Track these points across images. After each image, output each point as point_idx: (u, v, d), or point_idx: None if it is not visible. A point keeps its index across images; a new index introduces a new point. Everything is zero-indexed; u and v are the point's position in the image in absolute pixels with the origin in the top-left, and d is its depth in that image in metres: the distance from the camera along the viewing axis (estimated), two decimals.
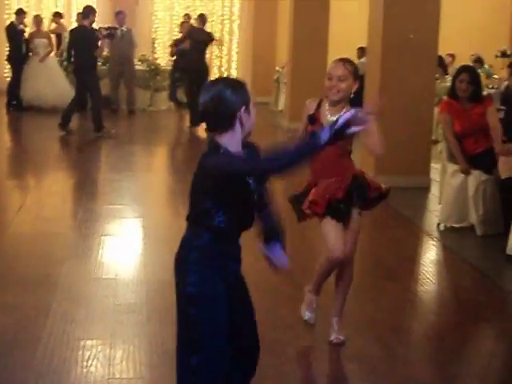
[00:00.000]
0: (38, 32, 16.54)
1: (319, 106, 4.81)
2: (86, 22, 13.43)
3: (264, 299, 5.53)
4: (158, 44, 19.91)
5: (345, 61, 4.75)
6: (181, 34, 17.14)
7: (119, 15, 16.64)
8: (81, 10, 15.37)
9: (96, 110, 13.34)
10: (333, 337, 4.81)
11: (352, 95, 4.68)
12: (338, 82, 4.62)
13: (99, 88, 13.55)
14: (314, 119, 4.76)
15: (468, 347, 5.07)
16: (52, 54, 16.89)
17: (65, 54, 17.23)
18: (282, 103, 17.21)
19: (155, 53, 18.38)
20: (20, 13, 16.57)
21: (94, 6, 19.55)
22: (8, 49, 16.62)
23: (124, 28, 16.57)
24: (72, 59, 13.62)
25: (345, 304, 4.93)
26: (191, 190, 3.31)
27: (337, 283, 4.92)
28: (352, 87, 4.65)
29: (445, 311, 5.76)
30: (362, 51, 16.57)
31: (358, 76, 4.70)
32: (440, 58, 13.29)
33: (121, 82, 16.70)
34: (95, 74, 13.60)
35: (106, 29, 15.17)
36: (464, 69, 7.85)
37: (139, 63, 17.38)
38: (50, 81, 15.81)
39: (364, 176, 4.95)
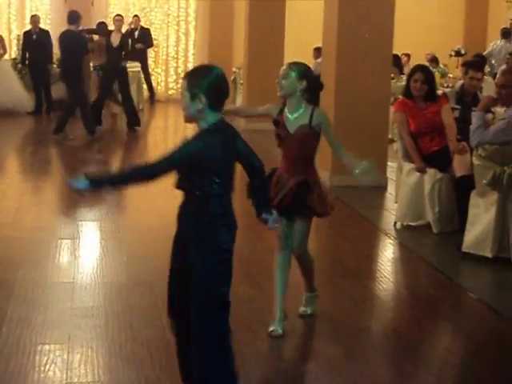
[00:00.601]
0: None
1: (282, 110, 5.17)
2: (72, 27, 13.55)
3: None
4: None
5: (292, 63, 5.11)
6: None
7: (73, 15, 16.45)
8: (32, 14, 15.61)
9: (68, 113, 13.53)
10: (300, 310, 5.25)
11: (300, 93, 4.99)
12: (280, 80, 5.05)
13: (83, 92, 13.61)
14: (277, 122, 5.19)
15: (425, 344, 5.11)
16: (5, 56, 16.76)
17: (18, 57, 17.13)
18: (238, 104, 17.22)
19: None
20: None
21: (48, 6, 19.63)
22: None
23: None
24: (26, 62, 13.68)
25: (313, 279, 5.32)
26: None
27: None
28: (295, 85, 4.96)
29: (402, 308, 5.81)
30: (318, 51, 16.61)
31: (304, 75, 4.96)
32: (396, 57, 13.41)
33: None
34: (81, 77, 13.60)
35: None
36: (418, 68, 7.91)
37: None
38: (3, 84, 15.63)
39: (319, 186, 5.25)
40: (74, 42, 13.35)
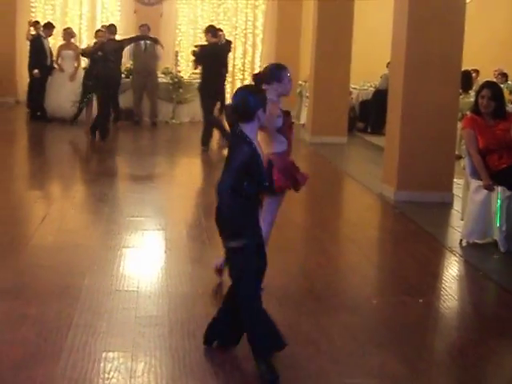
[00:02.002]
0: (67, 45, 16.61)
1: None
2: (112, 37, 14.26)
3: (285, 314, 5.53)
4: (181, 57, 19.97)
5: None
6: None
7: (142, 28, 16.74)
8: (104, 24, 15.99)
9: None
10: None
11: None
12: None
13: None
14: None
15: (490, 364, 5.03)
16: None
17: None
18: (304, 117, 17.21)
19: (178, 65, 18.43)
20: (49, 27, 16.76)
21: (119, 19, 19.95)
22: (30, 60, 16.75)
23: (148, 41, 16.66)
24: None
25: None
26: None
27: None
28: None
29: (467, 327, 5.72)
30: None
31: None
32: (467, 72, 13.25)
33: (144, 94, 16.79)
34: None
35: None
36: (485, 84, 7.84)
37: (162, 76, 17.46)
38: (74, 93, 15.86)
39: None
40: (119, 50, 14.36)
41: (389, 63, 16.46)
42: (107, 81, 14.28)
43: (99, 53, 14.41)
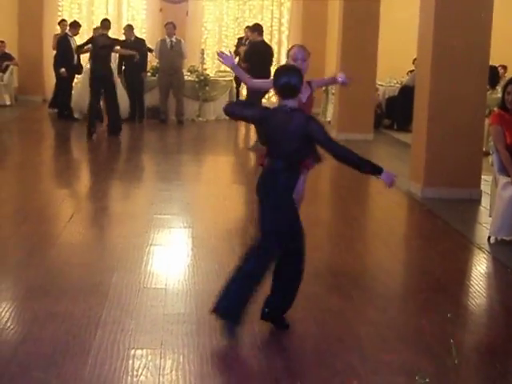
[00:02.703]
0: None
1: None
2: (132, 37, 14.83)
3: (312, 311, 5.53)
4: (207, 55, 20.01)
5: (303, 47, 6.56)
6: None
7: (168, 26, 16.78)
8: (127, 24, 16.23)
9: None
10: None
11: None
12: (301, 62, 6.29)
13: None
14: None
15: None
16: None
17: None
18: (330, 114, 17.20)
19: (204, 63, 18.46)
20: (75, 25, 16.83)
21: (144, 17, 20.03)
22: (56, 59, 16.85)
23: (174, 39, 16.71)
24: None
25: None
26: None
27: None
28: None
29: (495, 325, 5.69)
30: None
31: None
32: (494, 68, 13.17)
33: (170, 92, 16.84)
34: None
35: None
36: (511, 81, 7.80)
37: (188, 74, 17.50)
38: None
39: None
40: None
41: (415, 59, 16.51)
42: (97, 76, 14.30)
43: (89, 46, 14.53)
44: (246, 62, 13.82)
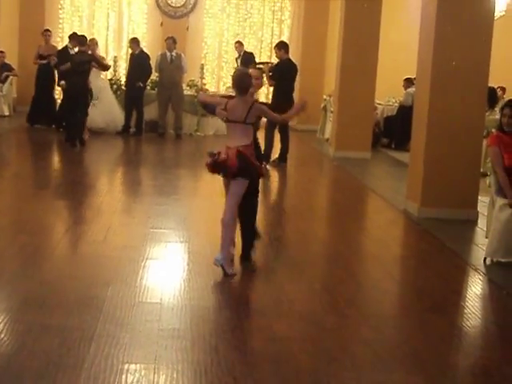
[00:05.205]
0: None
1: None
2: (138, 50, 15.15)
3: (308, 330, 5.52)
4: (207, 70, 20.06)
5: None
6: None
7: (168, 41, 16.84)
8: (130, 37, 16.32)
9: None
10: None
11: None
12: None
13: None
14: None
15: None
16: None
17: (114, 78, 17.55)
18: (328, 132, 17.21)
19: (204, 78, 18.52)
20: (75, 37, 16.79)
21: (145, 31, 20.10)
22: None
23: (174, 53, 16.76)
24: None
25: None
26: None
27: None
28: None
29: (491, 347, 5.68)
30: (408, 82, 16.58)
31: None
32: (492, 89, 13.21)
33: (169, 106, 16.87)
34: None
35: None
36: (508, 104, 7.87)
37: (187, 88, 17.53)
38: (103, 104, 15.98)
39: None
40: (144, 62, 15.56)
41: (406, 79, 16.59)
42: (72, 93, 14.40)
43: (67, 64, 14.57)
44: (273, 80, 13.84)
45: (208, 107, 7.61)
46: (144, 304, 5.88)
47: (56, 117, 16.71)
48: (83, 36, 15.24)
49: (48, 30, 17.73)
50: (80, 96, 14.31)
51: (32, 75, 17.43)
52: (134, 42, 17.10)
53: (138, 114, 16.75)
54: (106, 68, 15.78)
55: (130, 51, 17.37)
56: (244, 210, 6.91)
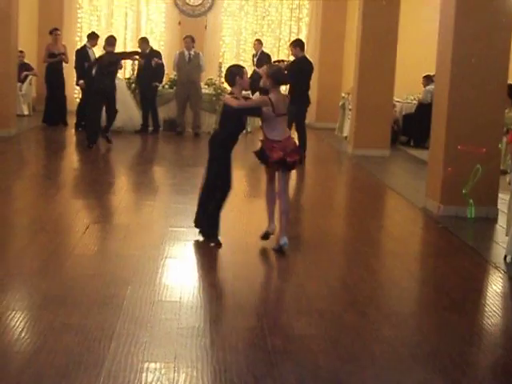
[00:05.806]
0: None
1: None
2: (148, 49, 15.63)
3: (327, 328, 5.51)
4: (225, 68, 20.04)
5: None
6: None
7: (187, 39, 16.87)
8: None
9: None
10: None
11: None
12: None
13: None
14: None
15: None
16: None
17: (132, 77, 17.61)
18: (346, 129, 17.17)
19: (222, 77, 18.52)
20: (93, 37, 16.85)
21: (163, 30, 20.13)
22: (76, 71, 16.94)
23: (192, 52, 16.78)
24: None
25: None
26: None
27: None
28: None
29: (511, 345, 5.65)
30: (427, 79, 16.52)
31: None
32: (511, 86, 13.12)
33: (187, 104, 16.90)
34: None
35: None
36: None
37: (206, 87, 17.54)
38: (120, 103, 16.02)
39: None
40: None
41: (425, 76, 16.53)
42: (103, 94, 14.40)
43: (96, 65, 14.65)
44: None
45: (246, 111, 7.73)
46: (163, 303, 5.89)
47: (77, 115, 16.80)
48: (112, 36, 15.36)
49: (57, 29, 17.76)
50: (111, 97, 14.45)
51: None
52: (144, 41, 17.15)
53: (153, 113, 16.83)
54: (136, 54, 16.08)
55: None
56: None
